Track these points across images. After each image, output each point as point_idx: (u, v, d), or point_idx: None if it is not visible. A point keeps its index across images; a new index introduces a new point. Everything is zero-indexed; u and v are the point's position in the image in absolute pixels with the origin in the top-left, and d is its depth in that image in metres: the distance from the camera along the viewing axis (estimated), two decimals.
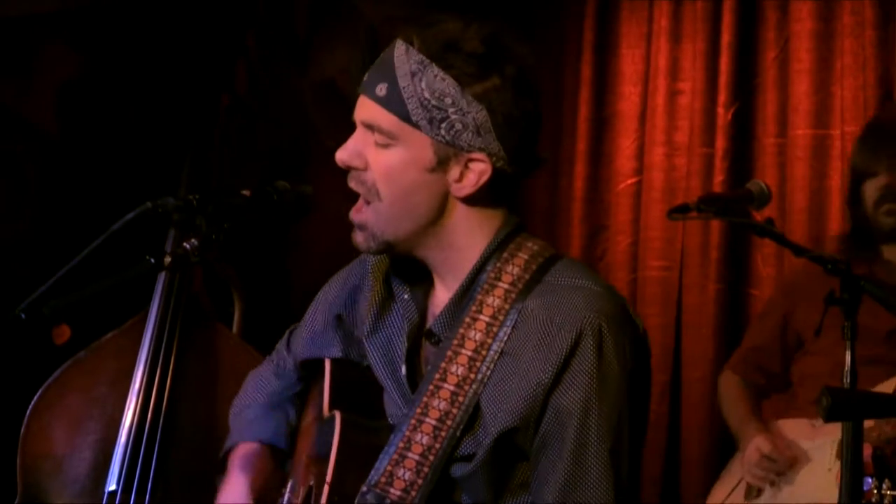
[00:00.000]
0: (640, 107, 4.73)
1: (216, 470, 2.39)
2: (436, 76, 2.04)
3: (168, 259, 2.06)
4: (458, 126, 2.04)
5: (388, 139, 2.07)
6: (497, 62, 2.05)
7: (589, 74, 4.78)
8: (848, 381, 2.59)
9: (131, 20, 4.10)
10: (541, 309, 2.06)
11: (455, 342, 2.09)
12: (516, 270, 2.11)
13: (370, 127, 2.09)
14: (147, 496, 3.19)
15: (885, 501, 3.26)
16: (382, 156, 2.08)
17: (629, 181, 4.73)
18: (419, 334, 2.19)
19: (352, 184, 2.12)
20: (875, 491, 3.27)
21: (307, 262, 4.47)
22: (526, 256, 2.12)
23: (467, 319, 2.09)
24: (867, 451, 3.27)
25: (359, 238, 2.13)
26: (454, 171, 2.08)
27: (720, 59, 4.53)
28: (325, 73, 4.39)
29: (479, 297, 2.10)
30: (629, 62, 4.75)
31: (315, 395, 2.34)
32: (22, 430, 3.29)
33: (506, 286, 2.10)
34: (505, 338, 2.07)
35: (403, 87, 2.04)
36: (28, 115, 4.06)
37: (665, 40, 4.65)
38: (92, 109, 4.13)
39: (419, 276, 2.20)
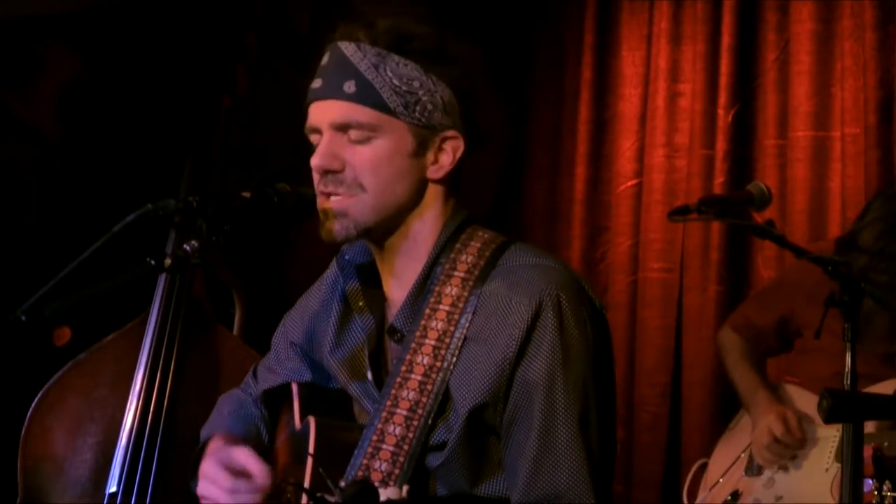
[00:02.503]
0: (640, 109, 4.73)
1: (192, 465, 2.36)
2: (398, 63, 2.09)
3: (168, 261, 2.06)
4: (430, 106, 2.10)
5: (369, 132, 2.10)
6: (447, 44, 2.13)
7: (589, 77, 4.78)
8: (848, 382, 2.59)
9: (132, 22, 4.10)
10: (499, 289, 2.09)
11: (418, 334, 2.11)
12: (470, 259, 2.14)
13: (343, 126, 2.11)
14: (147, 498, 3.19)
15: (886, 503, 3.26)
16: (364, 151, 2.10)
17: (629, 183, 4.73)
18: (380, 337, 2.21)
19: (328, 187, 2.12)
20: (875, 492, 3.27)
21: (307, 264, 4.46)
22: (479, 245, 2.16)
23: (427, 311, 2.12)
24: (867, 452, 3.26)
25: (336, 226, 2.13)
26: (430, 154, 2.13)
27: (720, 61, 4.54)
28: None
29: (437, 288, 2.12)
30: (629, 64, 4.75)
31: (284, 422, 2.34)
32: (23, 431, 3.29)
33: (462, 275, 2.13)
34: (467, 324, 2.09)
35: (372, 79, 2.08)
36: (29, 118, 4.05)
37: (665, 42, 4.65)
38: (93, 111, 4.13)
39: (372, 283, 2.23)
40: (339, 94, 2.10)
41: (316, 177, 2.14)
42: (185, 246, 2.09)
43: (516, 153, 4.92)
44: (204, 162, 3.68)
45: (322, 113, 2.13)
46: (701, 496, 3.79)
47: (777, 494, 3.56)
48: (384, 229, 2.15)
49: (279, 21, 4.45)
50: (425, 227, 2.16)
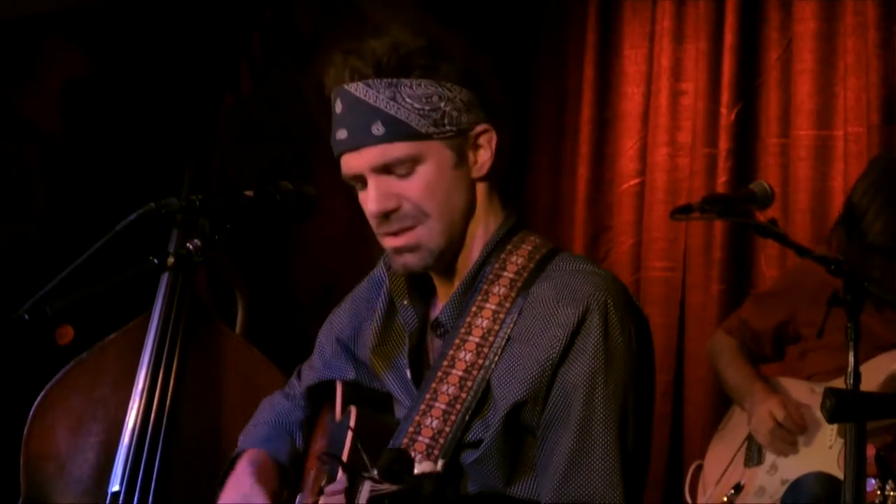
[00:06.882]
0: (642, 107, 4.73)
1: (219, 475, 2.37)
2: (411, 86, 2.09)
3: (171, 259, 2.05)
4: (455, 113, 2.11)
5: (411, 164, 2.10)
6: (442, 46, 2.12)
7: (592, 75, 4.78)
8: (851, 381, 2.59)
9: (135, 20, 4.10)
10: (547, 291, 2.11)
11: (462, 330, 2.12)
12: (520, 261, 2.16)
13: (385, 168, 2.11)
14: (150, 497, 3.19)
15: (889, 502, 3.26)
16: (414, 181, 2.11)
17: (632, 182, 4.73)
18: (422, 334, 2.22)
19: (393, 227, 2.13)
20: (878, 492, 3.27)
21: (309, 263, 4.47)
22: (529, 248, 2.18)
23: (473, 308, 2.13)
24: (870, 451, 3.26)
25: (412, 260, 2.15)
26: (470, 157, 2.14)
27: (723, 60, 4.54)
28: None
29: (485, 286, 2.14)
30: (632, 63, 4.75)
31: (324, 422, 2.35)
32: (25, 430, 3.29)
33: (511, 276, 2.15)
34: (512, 324, 2.10)
35: (396, 113, 2.08)
36: (32, 115, 4.06)
37: (668, 41, 4.65)
38: (96, 109, 4.13)
39: (419, 281, 2.24)
40: (369, 140, 2.09)
41: (374, 222, 2.14)
42: (187, 244, 2.08)
43: (518, 152, 4.92)
44: (206, 160, 3.68)
45: (359, 161, 2.12)
46: (702, 498, 3.79)
47: (783, 479, 3.57)
48: (456, 246, 2.17)
49: (283, 20, 4.45)
50: (478, 228, 2.18)
